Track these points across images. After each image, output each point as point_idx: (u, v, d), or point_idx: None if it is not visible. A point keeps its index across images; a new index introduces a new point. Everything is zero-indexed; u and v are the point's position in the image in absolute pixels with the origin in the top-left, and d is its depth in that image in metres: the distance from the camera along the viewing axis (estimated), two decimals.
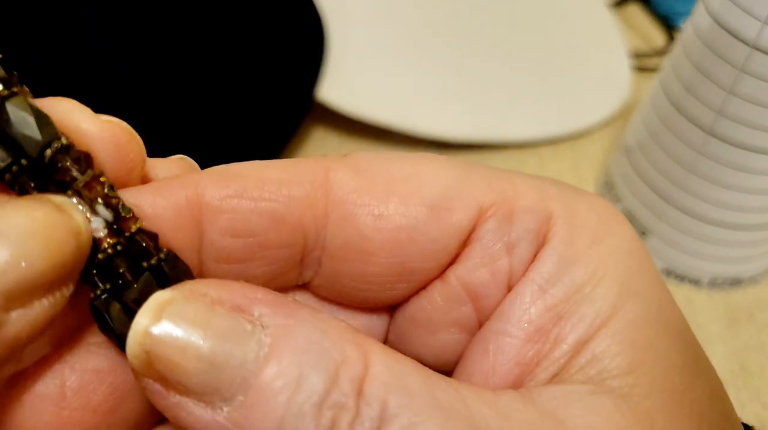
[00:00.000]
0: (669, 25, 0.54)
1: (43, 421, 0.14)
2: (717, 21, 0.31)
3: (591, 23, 0.53)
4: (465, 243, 0.16)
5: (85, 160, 0.14)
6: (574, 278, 0.15)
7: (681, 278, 0.38)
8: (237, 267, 0.16)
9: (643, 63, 0.51)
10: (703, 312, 0.38)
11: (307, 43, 0.43)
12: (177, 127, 0.39)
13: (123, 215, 0.15)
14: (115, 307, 0.14)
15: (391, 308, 0.18)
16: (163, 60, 0.40)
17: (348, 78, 0.43)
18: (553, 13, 0.52)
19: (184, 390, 0.13)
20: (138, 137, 0.16)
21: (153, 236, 0.15)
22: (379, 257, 0.16)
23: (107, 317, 0.14)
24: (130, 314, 0.14)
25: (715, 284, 0.38)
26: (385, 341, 0.19)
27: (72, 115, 0.15)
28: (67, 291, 0.14)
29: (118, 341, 0.14)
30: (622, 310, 0.15)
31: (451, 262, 0.17)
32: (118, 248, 0.14)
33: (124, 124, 0.15)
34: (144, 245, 0.15)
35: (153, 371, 0.13)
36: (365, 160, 0.16)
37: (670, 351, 0.15)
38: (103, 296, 0.14)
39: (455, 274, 0.17)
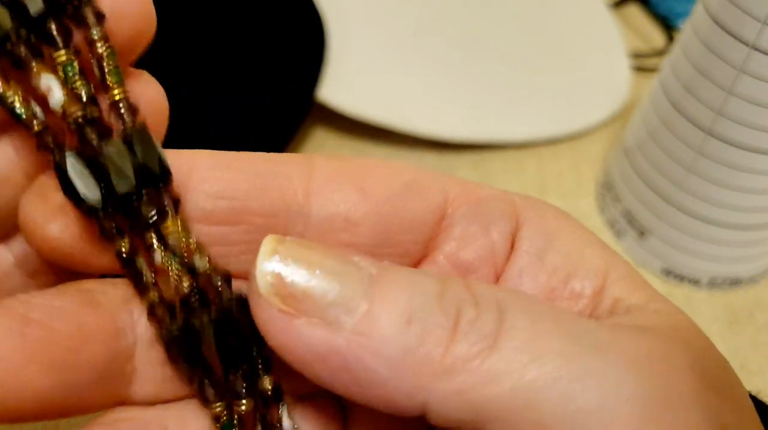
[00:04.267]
0: (668, 25, 0.54)
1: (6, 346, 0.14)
2: (716, 21, 0.31)
3: (590, 23, 0.53)
4: (442, 226, 0.18)
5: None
6: (562, 246, 0.17)
7: (680, 277, 0.38)
8: (218, 229, 0.16)
9: (643, 63, 0.51)
10: (702, 312, 0.38)
11: (307, 44, 0.43)
12: (177, 127, 0.39)
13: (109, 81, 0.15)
14: (79, 167, 0.14)
15: None
16: (163, 60, 0.40)
17: (348, 78, 0.43)
18: (552, 13, 0.52)
19: (305, 310, 0.14)
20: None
21: (134, 110, 0.15)
22: (364, 228, 0.17)
23: (69, 177, 0.14)
24: (99, 175, 0.14)
25: (714, 283, 0.38)
26: None
27: None
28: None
29: (78, 201, 0.14)
30: (612, 263, 0.17)
31: (432, 238, 0.18)
32: (88, 116, 0.14)
33: None
34: (118, 114, 0.15)
35: (282, 291, 0.14)
36: (340, 156, 0.18)
37: (660, 295, 0.17)
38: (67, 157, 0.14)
39: (442, 253, 0.18)
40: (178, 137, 0.39)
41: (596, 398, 0.14)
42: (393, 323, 0.14)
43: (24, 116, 0.14)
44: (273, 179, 0.17)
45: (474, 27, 0.49)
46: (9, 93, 0.14)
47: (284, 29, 0.44)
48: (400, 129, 0.42)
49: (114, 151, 0.14)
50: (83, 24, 0.14)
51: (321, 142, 0.44)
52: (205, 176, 0.16)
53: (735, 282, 0.39)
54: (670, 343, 0.15)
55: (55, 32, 0.14)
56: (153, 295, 0.15)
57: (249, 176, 0.16)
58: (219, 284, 0.15)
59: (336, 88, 0.42)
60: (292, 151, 0.42)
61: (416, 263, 0.18)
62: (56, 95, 0.14)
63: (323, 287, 0.14)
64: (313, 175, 0.17)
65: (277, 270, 0.14)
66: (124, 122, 0.15)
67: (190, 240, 0.15)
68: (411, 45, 0.47)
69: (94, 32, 0.14)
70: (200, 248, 0.15)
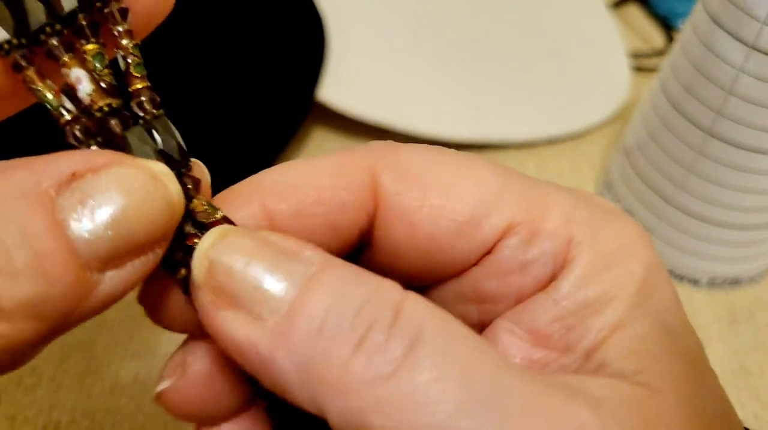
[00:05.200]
0: (668, 25, 0.54)
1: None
2: (716, 21, 0.31)
3: (590, 24, 0.53)
4: (493, 248, 0.17)
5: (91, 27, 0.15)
6: (587, 295, 0.16)
7: (680, 277, 0.38)
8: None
9: (643, 63, 0.51)
10: (702, 312, 0.38)
11: (307, 44, 0.43)
12: (178, 127, 0.39)
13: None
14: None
15: None
16: (163, 61, 0.40)
17: (348, 78, 0.43)
18: (552, 13, 0.53)
19: (235, 303, 0.14)
20: None
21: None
22: (408, 261, 0.17)
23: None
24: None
25: (714, 283, 0.38)
26: None
27: None
28: (160, 251, 0.15)
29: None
30: (630, 324, 0.16)
31: (474, 263, 0.18)
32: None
33: None
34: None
35: (211, 280, 0.14)
36: (409, 160, 0.17)
37: (676, 363, 0.15)
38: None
39: (468, 276, 0.18)
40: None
41: None
42: (307, 330, 0.14)
43: (53, 108, 0.15)
44: (345, 216, 0.17)
45: (474, 27, 0.49)
46: (40, 86, 0.15)
47: (284, 29, 0.44)
48: (400, 129, 0.42)
49: (136, 138, 0.15)
50: (109, 19, 0.16)
51: (321, 142, 0.44)
52: (282, 221, 0.17)
53: (735, 282, 0.39)
54: (599, 420, 0.14)
55: (85, 26, 0.15)
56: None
57: (323, 221, 0.17)
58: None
59: (336, 88, 0.42)
60: (292, 151, 0.42)
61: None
62: (85, 87, 0.15)
63: (252, 282, 0.14)
64: (377, 200, 0.17)
65: (210, 261, 0.14)
66: (145, 112, 0.16)
67: (217, 214, 0.16)
68: (411, 45, 0.47)
69: (120, 28, 0.16)
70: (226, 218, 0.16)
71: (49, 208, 0.13)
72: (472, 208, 0.17)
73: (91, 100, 0.15)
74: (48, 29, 0.15)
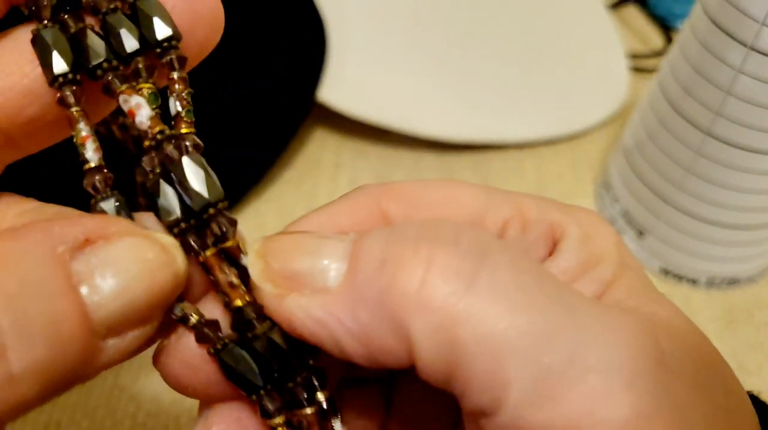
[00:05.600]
0: (666, 26, 0.54)
1: None
2: (714, 22, 0.31)
3: (589, 24, 0.53)
4: None
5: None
6: (580, 256, 0.17)
7: (679, 277, 0.39)
8: None
9: (641, 64, 0.51)
10: (700, 312, 0.38)
11: (307, 44, 0.44)
12: None
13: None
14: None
15: None
16: None
17: (348, 79, 0.43)
18: (551, 14, 0.53)
19: (297, 284, 0.15)
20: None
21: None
22: None
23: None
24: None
25: (712, 283, 0.39)
26: None
27: None
28: (157, 322, 0.15)
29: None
30: (623, 275, 0.17)
31: None
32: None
33: None
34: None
35: (269, 272, 0.15)
36: (406, 190, 0.18)
37: (664, 302, 0.17)
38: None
39: None
40: None
41: (562, 360, 0.14)
42: (369, 269, 0.14)
43: (82, 150, 0.15)
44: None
45: (473, 27, 0.49)
46: (81, 124, 0.15)
47: (284, 29, 0.44)
48: (400, 129, 0.42)
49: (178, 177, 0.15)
50: (166, 65, 0.16)
51: (321, 142, 0.44)
52: None
53: (733, 282, 0.39)
54: (654, 327, 0.15)
55: (143, 68, 0.16)
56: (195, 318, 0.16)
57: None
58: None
59: (336, 89, 0.42)
60: (292, 152, 0.43)
61: None
62: (146, 112, 0.15)
63: (307, 261, 0.15)
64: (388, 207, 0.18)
65: (264, 258, 0.15)
66: (188, 154, 0.16)
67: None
68: (411, 45, 0.47)
69: (176, 74, 0.16)
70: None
71: (68, 273, 0.13)
72: (472, 211, 0.18)
73: (150, 126, 0.15)
74: (105, 65, 0.15)
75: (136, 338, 0.14)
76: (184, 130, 0.16)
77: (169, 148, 0.15)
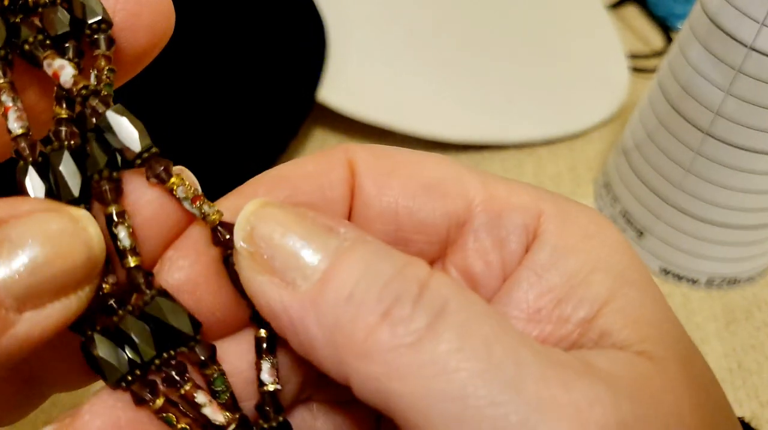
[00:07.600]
0: (666, 26, 0.54)
1: None
2: (714, 22, 0.32)
3: (589, 25, 0.53)
4: (459, 232, 0.18)
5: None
6: (568, 266, 0.17)
7: (678, 277, 0.39)
8: None
9: (641, 64, 0.51)
10: (700, 311, 0.38)
11: (307, 45, 0.44)
12: (179, 128, 0.39)
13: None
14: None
15: None
16: (163, 61, 0.40)
17: (348, 79, 0.43)
18: (551, 14, 0.53)
19: (272, 269, 0.15)
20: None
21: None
22: (377, 224, 0.18)
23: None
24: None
25: (712, 283, 0.39)
26: None
27: None
28: (83, 295, 0.15)
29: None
30: (619, 294, 0.16)
31: (446, 245, 0.18)
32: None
33: None
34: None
35: (252, 245, 0.15)
36: (380, 149, 0.18)
37: (668, 328, 0.16)
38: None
39: (452, 262, 0.18)
40: (179, 137, 0.39)
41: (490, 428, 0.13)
42: (336, 297, 0.15)
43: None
44: (333, 194, 0.18)
45: (473, 28, 0.49)
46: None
47: (284, 30, 0.44)
48: (400, 129, 0.42)
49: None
50: (95, 46, 0.17)
51: (321, 142, 0.44)
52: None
53: (733, 282, 0.39)
54: (613, 396, 0.14)
55: (69, 46, 0.16)
56: None
57: (313, 203, 0.17)
58: None
59: (336, 89, 0.42)
60: (293, 152, 0.43)
61: (431, 263, 0.18)
62: (68, 71, 0.16)
63: (289, 251, 0.15)
64: (355, 174, 0.18)
65: (252, 226, 0.16)
66: (98, 115, 0.16)
67: (215, 214, 0.16)
68: (411, 46, 0.47)
69: (100, 51, 0.17)
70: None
71: None
72: (437, 175, 0.18)
73: (74, 83, 0.16)
74: (31, 39, 0.16)
75: (57, 310, 0.15)
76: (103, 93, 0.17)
77: (95, 102, 0.16)
